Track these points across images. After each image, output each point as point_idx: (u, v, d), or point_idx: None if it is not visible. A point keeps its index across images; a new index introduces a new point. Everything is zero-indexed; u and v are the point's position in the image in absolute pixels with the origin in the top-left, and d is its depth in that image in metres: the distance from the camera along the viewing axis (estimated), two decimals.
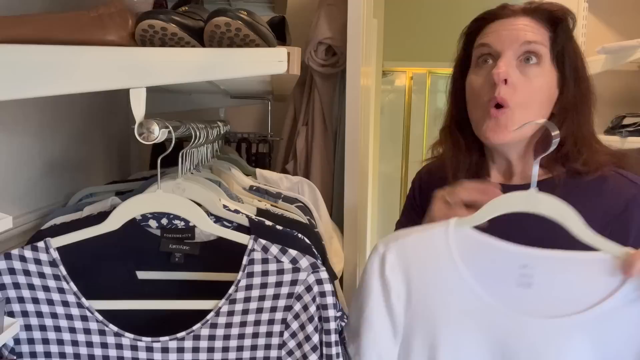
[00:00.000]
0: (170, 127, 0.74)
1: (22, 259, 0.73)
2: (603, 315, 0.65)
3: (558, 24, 0.85)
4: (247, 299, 0.75)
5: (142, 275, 0.83)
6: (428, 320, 0.72)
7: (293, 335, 0.75)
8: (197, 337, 0.74)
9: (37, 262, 0.73)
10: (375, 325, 0.75)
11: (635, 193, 0.80)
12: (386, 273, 0.74)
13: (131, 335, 0.74)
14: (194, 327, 0.74)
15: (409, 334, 0.73)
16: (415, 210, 1.04)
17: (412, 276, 0.73)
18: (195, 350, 0.75)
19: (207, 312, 0.74)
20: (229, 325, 0.75)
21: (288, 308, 0.75)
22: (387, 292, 0.74)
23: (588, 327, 0.66)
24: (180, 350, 0.75)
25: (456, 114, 0.95)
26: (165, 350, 0.74)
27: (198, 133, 0.92)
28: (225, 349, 0.75)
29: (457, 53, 0.96)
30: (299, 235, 0.84)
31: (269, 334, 0.76)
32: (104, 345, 0.75)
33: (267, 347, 0.76)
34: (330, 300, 0.74)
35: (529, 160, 0.88)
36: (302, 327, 0.75)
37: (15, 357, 0.75)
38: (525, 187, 0.86)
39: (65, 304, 0.74)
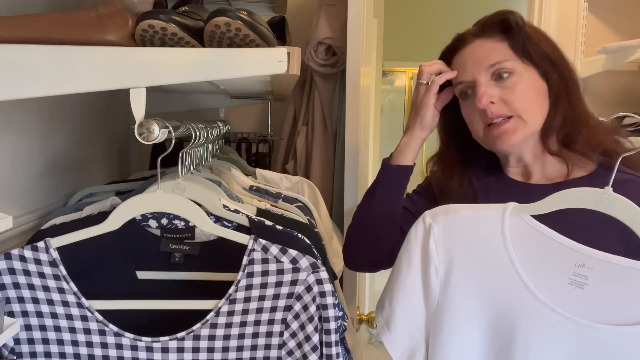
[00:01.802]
0: (170, 127, 0.74)
1: (22, 259, 0.73)
2: None
3: (508, 30, 0.88)
4: (247, 299, 0.75)
5: (142, 275, 0.83)
6: (464, 302, 0.70)
7: (293, 335, 0.75)
8: (197, 337, 0.74)
9: (37, 262, 0.73)
10: (412, 298, 0.74)
11: None
12: (429, 247, 0.72)
13: (131, 335, 0.74)
14: (194, 327, 0.74)
15: (441, 314, 0.72)
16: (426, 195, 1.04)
17: (455, 255, 0.71)
18: (195, 350, 0.75)
19: (207, 312, 0.74)
20: (229, 325, 0.75)
21: (288, 308, 0.75)
22: (427, 267, 0.72)
23: (632, 342, 0.62)
24: (180, 350, 0.75)
25: (450, 140, 1.01)
26: (165, 350, 0.74)
27: (198, 133, 0.92)
28: (225, 349, 0.75)
29: None
30: (299, 235, 0.84)
31: (269, 334, 0.76)
32: (104, 345, 0.75)
33: (267, 347, 0.76)
34: (330, 300, 0.74)
35: (545, 158, 0.90)
36: (302, 327, 0.75)
37: (15, 357, 0.75)
38: (549, 187, 0.87)
39: (65, 304, 0.74)
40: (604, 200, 0.65)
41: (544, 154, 0.90)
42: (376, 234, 0.99)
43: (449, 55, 0.96)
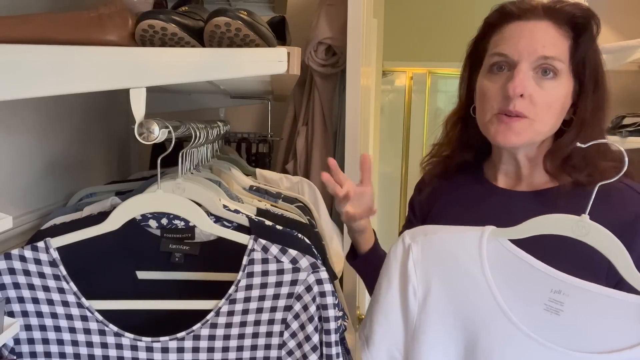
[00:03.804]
0: (170, 127, 0.74)
1: (22, 259, 0.73)
2: None
3: (581, 33, 0.80)
4: (247, 299, 0.75)
5: (142, 275, 0.83)
6: (442, 324, 0.70)
7: (293, 335, 0.75)
8: (197, 337, 0.74)
9: (37, 262, 0.73)
10: (390, 317, 0.74)
11: None
12: (408, 267, 0.72)
13: (131, 335, 0.74)
14: (194, 327, 0.74)
15: (419, 335, 0.72)
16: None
17: (433, 276, 0.71)
18: (195, 350, 0.75)
19: (207, 312, 0.74)
20: (229, 325, 0.75)
21: (288, 308, 0.75)
22: (405, 287, 0.72)
23: None
24: (180, 350, 0.75)
25: (467, 106, 0.94)
26: (165, 350, 0.74)
27: (198, 133, 0.92)
28: (225, 349, 0.75)
29: (469, 47, 0.93)
30: (299, 235, 0.84)
31: (269, 334, 0.76)
32: (104, 345, 0.75)
33: (267, 347, 0.76)
34: (330, 300, 0.74)
35: (538, 164, 0.86)
36: (302, 327, 0.75)
37: (15, 357, 0.75)
38: (532, 194, 0.85)
39: (65, 304, 0.74)
40: (581, 228, 0.64)
41: (537, 160, 0.86)
42: None
43: (507, 17, 0.84)
